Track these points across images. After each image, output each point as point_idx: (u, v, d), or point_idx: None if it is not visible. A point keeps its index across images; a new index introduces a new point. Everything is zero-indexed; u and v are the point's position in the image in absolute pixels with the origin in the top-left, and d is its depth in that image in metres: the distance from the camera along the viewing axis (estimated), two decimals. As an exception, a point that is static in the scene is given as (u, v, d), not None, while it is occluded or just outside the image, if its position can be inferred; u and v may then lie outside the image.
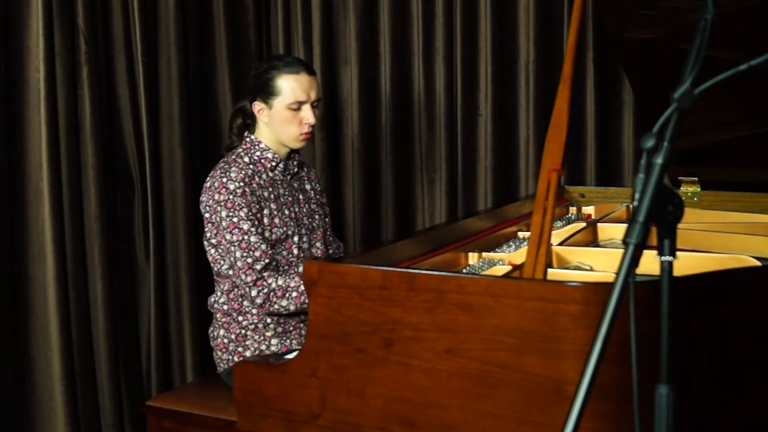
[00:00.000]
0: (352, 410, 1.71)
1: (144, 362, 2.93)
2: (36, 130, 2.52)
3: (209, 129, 3.17)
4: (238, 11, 3.22)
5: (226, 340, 2.35)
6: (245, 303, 2.31)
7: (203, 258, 3.07)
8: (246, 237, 2.21)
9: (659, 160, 1.06)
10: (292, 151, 2.40)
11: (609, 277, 1.86)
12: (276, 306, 2.20)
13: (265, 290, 2.19)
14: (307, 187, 2.50)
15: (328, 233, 2.58)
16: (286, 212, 2.35)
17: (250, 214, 2.23)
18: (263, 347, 2.31)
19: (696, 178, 2.68)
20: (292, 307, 2.20)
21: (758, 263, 1.93)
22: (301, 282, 2.16)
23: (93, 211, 2.68)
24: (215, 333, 2.39)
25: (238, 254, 2.21)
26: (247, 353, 2.32)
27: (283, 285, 2.19)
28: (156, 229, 2.88)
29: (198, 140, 3.09)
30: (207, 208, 2.28)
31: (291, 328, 2.33)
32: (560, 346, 1.50)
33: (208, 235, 2.32)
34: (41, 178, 2.53)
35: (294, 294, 2.18)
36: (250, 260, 2.20)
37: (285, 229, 2.33)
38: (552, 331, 1.50)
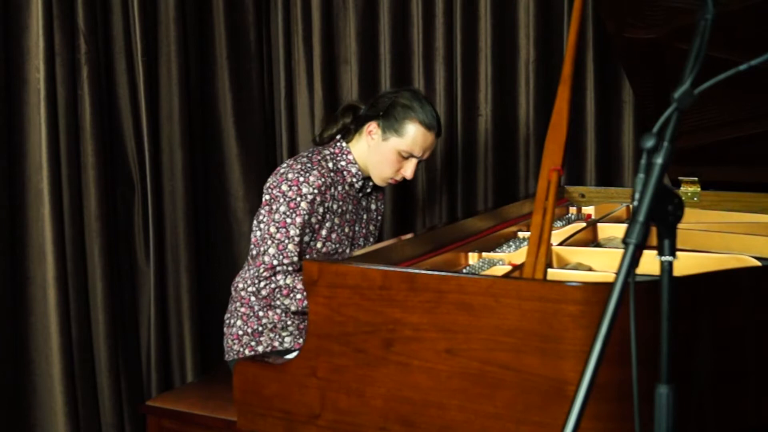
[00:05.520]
0: (352, 410, 1.71)
1: (144, 362, 2.93)
2: (36, 130, 2.52)
3: (209, 129, 3.17)
4: (238, 11, 3.22)
5: (240, 332, 2.35)
6: (251, 289, 2.28)
7: (203, 258, 3.09)
8: (286, 241, 2.20)
9: (659, 160, 1.06)
10: None
11: (609, 277, 1.86)
12: (278, 302, 2.21)
13: (272, 285, 2.19)
14: (373, 206, 2.51)
15: None
16: (346, 230, 2.36)
17: (305, 223, 2.22)
18: (276, 344, 2.31)
19: (696, 178, 2.68)
20: (293, 307, 2.21)
21: (758, 263, 1.93)
22: None
23: (93, 211, 2.67)
24: (231, 321, 2.39)
25: (271, 251, 2.20)
26: (260, 348, 2.33)
27: (291, 285, 2.19)
28: (156, 229, 2.88)
29: (198, 140, 3.09)
30: (269, 191, 2.25)
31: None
32: (560, 346, 1.50)
33: (261, 216, 2.26)
34: (41, 178, 2.52)
35: (299, 296, 2.19)
36: (275, 262, 2.19)
37: (338, 245, 2.32)
38: (552, 331, 1.50)
